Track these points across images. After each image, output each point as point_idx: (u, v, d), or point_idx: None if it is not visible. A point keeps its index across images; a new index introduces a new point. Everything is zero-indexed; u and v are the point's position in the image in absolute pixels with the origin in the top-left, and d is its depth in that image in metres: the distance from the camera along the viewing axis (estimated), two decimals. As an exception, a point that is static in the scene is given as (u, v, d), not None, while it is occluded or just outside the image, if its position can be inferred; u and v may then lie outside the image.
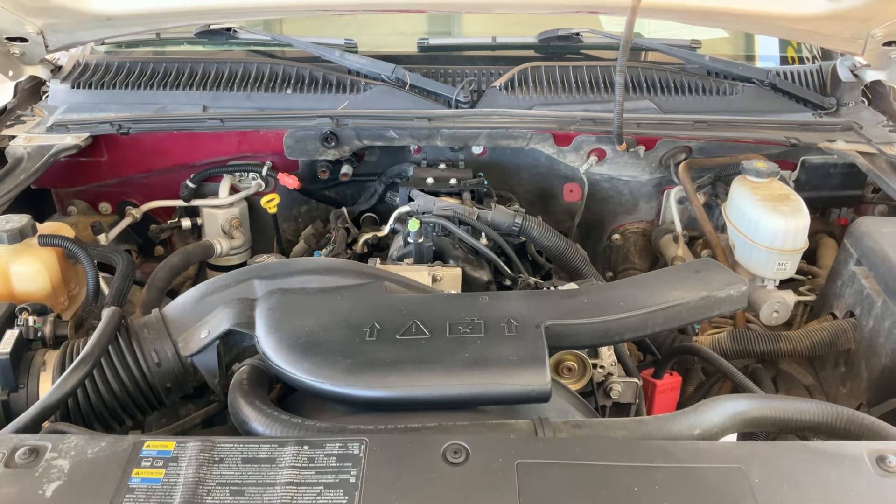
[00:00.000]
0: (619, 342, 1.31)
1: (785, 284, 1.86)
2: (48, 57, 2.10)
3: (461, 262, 1.64)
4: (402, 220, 1.80)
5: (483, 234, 1.73)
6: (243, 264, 1.96)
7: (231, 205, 2.14)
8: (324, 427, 0.99)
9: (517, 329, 1.12)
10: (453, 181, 1.91)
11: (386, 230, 1.86)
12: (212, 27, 2.18)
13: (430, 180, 1.91)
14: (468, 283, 1.60)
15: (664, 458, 0.91)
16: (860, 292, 1.61)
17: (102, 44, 2.27)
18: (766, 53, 2.42)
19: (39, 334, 1.30)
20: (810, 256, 2.02)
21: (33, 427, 1.01)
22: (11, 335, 1.22)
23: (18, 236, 1.54)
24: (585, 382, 1.35)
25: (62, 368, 1.19)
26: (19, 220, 1.57)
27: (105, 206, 2.16)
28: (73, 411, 1.16)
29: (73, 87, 2.11)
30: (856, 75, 2.14)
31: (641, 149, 2.05)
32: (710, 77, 2.17)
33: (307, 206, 2.26)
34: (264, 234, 2.26)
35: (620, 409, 1.40)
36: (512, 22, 2.50)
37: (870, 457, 0.91)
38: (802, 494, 0.87)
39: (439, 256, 1.68)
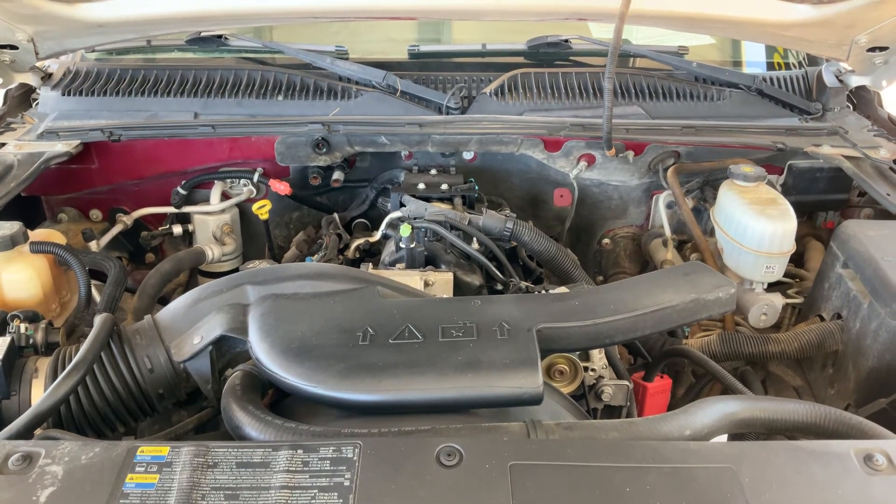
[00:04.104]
0: (609, 345, 1.32)
1: (773, 287, 1.88)
2: (38, 64, 2.09)
3: (453, 267, 1.64)
4: (394, 225, 1.81)
5: (474, 239, 1.74)
6: (235, 271, 1.95)
7: (222, 211, 2.14)
8: (317, 431, 0.99)
9: (509, 332, 1.12)
10: (444, 186, 1.92)
11: (378, 236, 1.86)
12: (202, 34, 2.18)
13: (421, 186, 1.92)
14: (460, 288, 1.60)
15: (655, 458, 0.92)
16: (847, 294, 1.62)
17: (93, 51, 2.27)
18: (753, 59, 2.45)
19: (31, 341, 1.30)
20: (798, 260, 2.04)
21: (26, 434, 1.01)
22: (3, 342, 1.21)
23: (10, 243, 1.54)
24: (577, 385, 1.36)
25: (54, 375, 1.19)
26: (10, 227, 1.57)
27: (96, 214, 2.16)
28: (66, 418, 1.16)
29: (63, 95, 2.11)
30: (841, 81, 2.17)
31: (630, 154, 2.07)
32: (697, 83, 2.19)
33: (299, 213, 2.26)
34: (256, 240, 2.26)
35: (611, 412, 1.41)
36: (501, 29, 2.51)
37: (857, 456, 0.92)
38: (791, 493, 0.88)
39: (431, 261, 1.69)
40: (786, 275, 1.86)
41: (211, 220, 2.14)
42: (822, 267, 1.76)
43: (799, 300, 1.89)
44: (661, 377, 1.57)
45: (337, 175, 2.09)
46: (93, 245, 1.95)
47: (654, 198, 2.18)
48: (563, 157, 2.08)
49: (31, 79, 2.12)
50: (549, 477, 0.88)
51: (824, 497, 0.87)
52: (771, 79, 2.23)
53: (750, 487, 0.87)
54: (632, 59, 2.33)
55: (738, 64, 2.46)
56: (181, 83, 2.13)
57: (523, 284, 1.64)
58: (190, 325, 1.24)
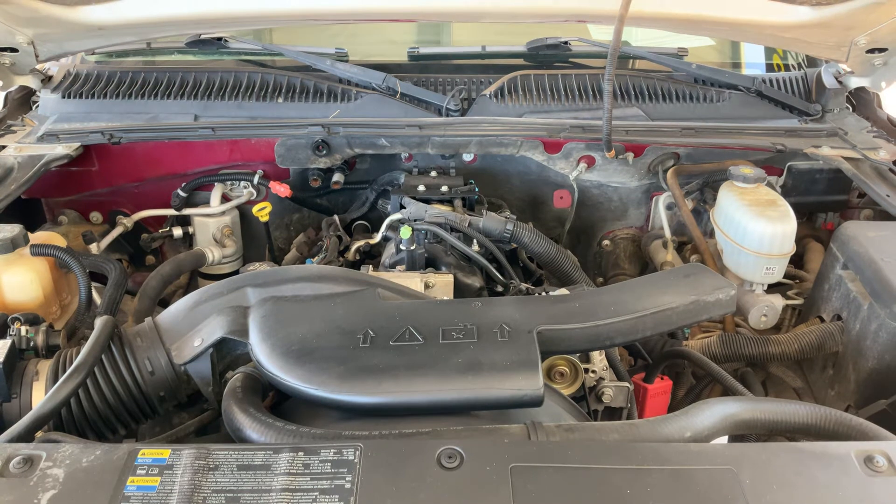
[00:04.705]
0: (610, 346, 1.32)
1: (773, 288, 1.88)
2: (38, 67, 2.09)
3: (453, 269, 1.64)
4: (394, 227, 1.81)
5: (475, 241, 1.74)
6: (235, 273, 1.96)
7: (222, 213, 2.14)
8: (318, 433, 1.00)
9: (510, 334, 1.12)
10: (444, 188, 1.92)
11: (378, 238, 1.87)
12: (202, 37, 2.18)
13: (421, 188, 1.92)
14: (460, 290, 1.61)
15: (656, 460, 0.92)
16: (847, 296, 1.63)
17: (93, 53, 2.27)
18: (752, 61, 2.45)
19: (32, 344, 1.29)
20: (798, 261, 2.05)
21: (27, 437, 1.01)
22: (4, 345, 1.21)
23: (10, 246, 1.54)
24: (577, 387, 1.36)
25: (55, 378, 1.19)
26: (11, 229, 1.57)
27: (96, 216, 2.16)
28: (66, 420, 1.16)
29: (63, 97, 2.11)
30: (840, 82, 2.17)
31: (630, 155, 2.07)
32: (697, 84, 2.20)
33: (299, 215, 2.26)
34: (256, 242, 2.27)
35: (612, 413, 1.41)
36: (501, 31, 2.51)
37: (857, 457, 0.92)
38: (792, 495, 0.88)
39: (431, 263, 1.69)
40: (786, 276, 1.87)
41: (211, 223, 2.14)
42: (822, 268, 1.76)
43: (799, 301, 1.89)
44: (662, 379, 1.57)
45: (337, 177, 2.10)
46: (93, 247, 1.95)
47: (654, 199, 2.18)
48: (563, 158, 2.08)
49: (31, 81, 2.12)
50: (550, 479, 0.88)
51: (825, 498, 0.88)
52: (770, 80, 2.23)
53: (750, 489, 0.87)
54: (631, 60, 2.34)
55: (737, 65, 2.46)
56: (181, 85, 2.13)
57: (523, 286, 1.65)
58: (190, 328, 1.24)
